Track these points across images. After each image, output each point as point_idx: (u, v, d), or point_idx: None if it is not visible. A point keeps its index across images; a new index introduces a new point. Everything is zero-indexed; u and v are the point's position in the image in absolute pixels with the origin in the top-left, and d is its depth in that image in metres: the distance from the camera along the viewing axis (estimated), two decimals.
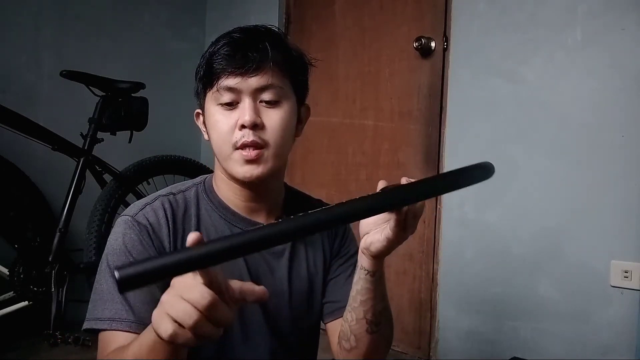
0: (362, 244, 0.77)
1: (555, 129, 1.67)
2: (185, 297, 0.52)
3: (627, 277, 1.51)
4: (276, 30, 0.86)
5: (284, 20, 2.53)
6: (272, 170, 0.82)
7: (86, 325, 0.77)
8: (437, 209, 1.95)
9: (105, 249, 0.80)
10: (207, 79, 0.82)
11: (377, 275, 0.79)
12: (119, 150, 2.02)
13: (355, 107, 2.24)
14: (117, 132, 1.96)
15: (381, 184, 0.74)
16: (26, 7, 2.12)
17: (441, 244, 1.94)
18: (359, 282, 0.80)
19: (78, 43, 2.28)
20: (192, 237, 0.50)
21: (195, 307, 0.51)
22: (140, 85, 2.01)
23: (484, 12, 1.83)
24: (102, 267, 0.79)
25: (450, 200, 1.90)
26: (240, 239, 0.47)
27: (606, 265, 1.55)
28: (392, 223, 0.71)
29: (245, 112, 0.78)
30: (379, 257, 0.77)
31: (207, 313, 0.51)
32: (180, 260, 0.45)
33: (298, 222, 0.49)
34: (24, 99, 2.08)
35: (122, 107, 1.94)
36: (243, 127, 0.78)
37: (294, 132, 0.87)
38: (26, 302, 1.77)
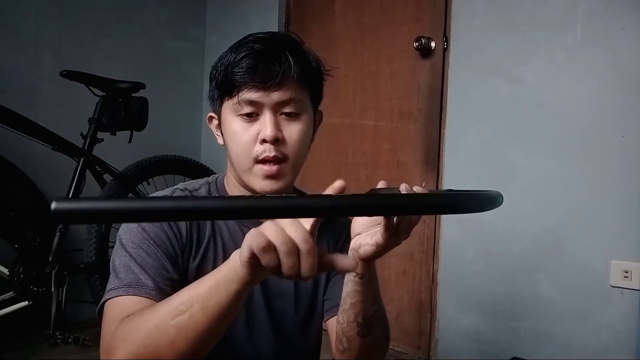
0: (352, 244, 0.75)
1: (555, 129, 1.67)
2: (288, 231, 0.53)
3: (627, 277, 1.51)
4: (296, 39, 0.85)
5: (284, 20, 2.53)
6: (290, 183, 0.83)
7: (101, 302, 0.74)
8: None
9: (119, 230, 0.80)
10: (225, 88, 0.81)
11: (366, 277, 0.77)
12: (119, 150, 2.02)
13: (355, 107, 2.24)
14: (117, 132, 1.96)
15: (381, 184, 0.73)
16: (26, 7, 2.12)
17: (441, 244, 1.94)
18: (348, 283, 0.79)
19: (78, 43, 2.28)
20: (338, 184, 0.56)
21: (295, 243, 0.53)
22: (140, 85, 2.01)
23: (484, 12, 1.83)
24: (116, 247, 0.79)
25: None
26: (200, 204, 0.41)
27: (606, 265, 1.55)
28: (381, 229, 0.69)
29: (266, 126, 0.78)
30: (367, 261, 0.75)
31: (304, 253, 0.53)
32: (137, 208, 0.39)
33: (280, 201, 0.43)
34: (24, 99, 2.07)
35: (122, 107, 1.94)
36: (264, 141, 0.78)
37: (311, 142, 0.87)
38: (26, 302, 1.76)
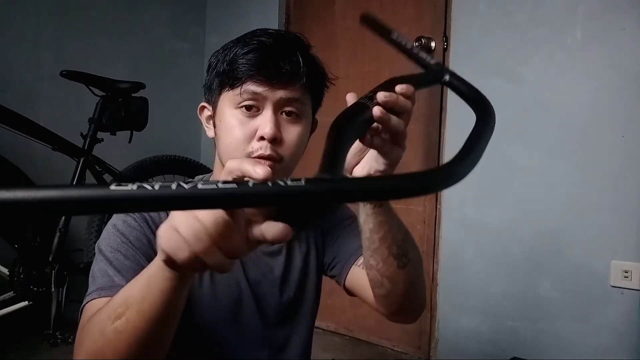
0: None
1: (555, 129, 1.67)
2: (199, 216, 0.48)
3: (627, 277, 1.51)
4: (305, 40, 0.83)
5: (284, 20, 2.53)
6: None
7: (80, 308, 0.73)
8: (437, 209, 1.95)
9: (98, 240, 0.78)
10: (227, 78, 0.78)
11: (385, 205, 0.74)
12: (119, 150, 2.02)
13: None
14: (117, 132, 1.96)
15: (350, 97, 0.74)
16: (26, 7, 2.12)
17: (441, 244, 1.94)
18: (369, 220, 0.74)
19: (78, 43, 2.27)
20: None
21: (207, 230, 0.47)
22: (140, 85, 2.01)
23: (484, 12, 1.83)
24: (96, 255, 0.77)
25: (450, 200, 1.90)
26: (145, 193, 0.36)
27: (606, 265, 1.55)
28: (373, 153, 0.71)
29: (267, 124, 0.75)
30: None
31: (219, 240, 0.47)
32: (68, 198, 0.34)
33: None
34: (24, 99, 2.07)
35: (122, 107, 1.94)
36: (262, 139, 0.76)
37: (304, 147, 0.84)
38: (26, 302, 1.77)
